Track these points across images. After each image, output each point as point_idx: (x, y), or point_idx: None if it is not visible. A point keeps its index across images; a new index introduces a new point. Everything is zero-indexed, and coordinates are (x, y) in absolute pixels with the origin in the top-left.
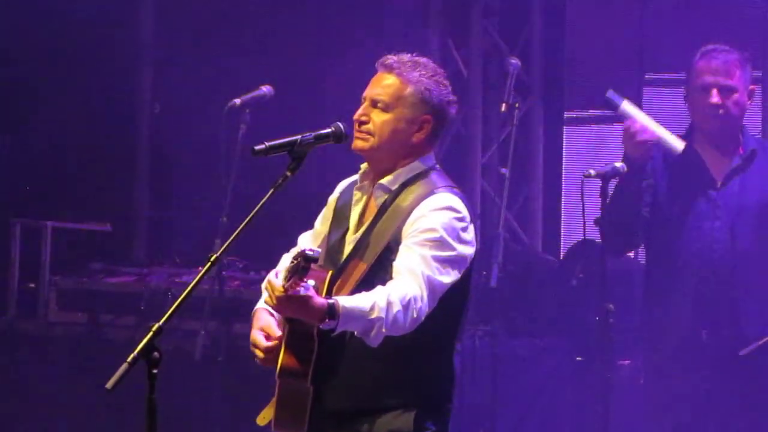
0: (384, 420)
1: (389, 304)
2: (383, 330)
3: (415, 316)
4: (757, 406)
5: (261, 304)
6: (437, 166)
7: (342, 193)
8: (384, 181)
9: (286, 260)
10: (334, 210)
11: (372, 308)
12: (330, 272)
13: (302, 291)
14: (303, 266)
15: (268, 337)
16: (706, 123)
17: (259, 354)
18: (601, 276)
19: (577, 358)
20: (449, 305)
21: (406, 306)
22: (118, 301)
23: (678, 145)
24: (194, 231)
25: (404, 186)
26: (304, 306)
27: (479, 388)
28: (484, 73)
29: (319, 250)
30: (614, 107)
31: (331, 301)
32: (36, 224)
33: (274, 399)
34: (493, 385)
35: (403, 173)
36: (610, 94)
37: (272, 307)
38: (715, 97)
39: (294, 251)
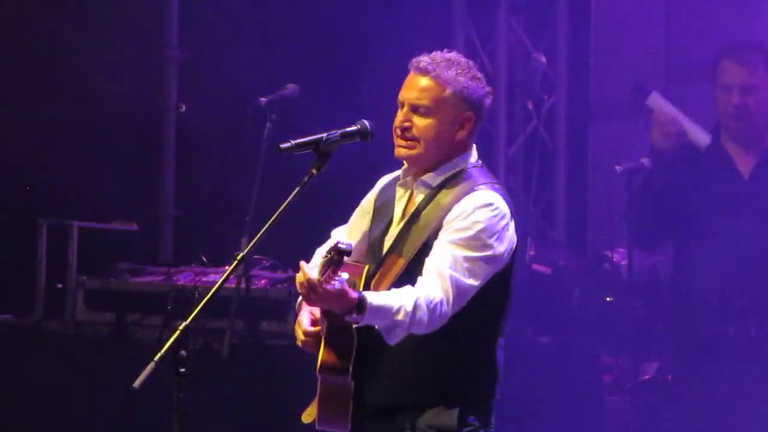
0: (427, 416)
1: (416, 308)
2: (404, 332)
3: (438, 319)
4: None
5: None
6: (479, 162)
7: (383, 189)
8: (426, 177)
9: (319, 254)
10: (374, 205)
11: (398, 310)
12: (367, 267)
13: (336, 285)
14: (337, 259)
15: (314, 322)
16: (727, 123)
17: (300, 335)
18: (628, 270)
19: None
20: (491, 300)
21: (432, 310)
22: (145, 301)
23: (704, 138)
24: (221, 230)
25: (445, 182)
26: (335, 298)
27: (508, 385)
28: (508, 70)
29: (352, 242)
30: (644, 97)
31: (361, 295)
32: (62, 224)
33: (316, 396)
34: (523, 383)
35: (444, 170)
36: (640, 84)
37: (304, 299)
38: (735, 99)
39: (327, 245)
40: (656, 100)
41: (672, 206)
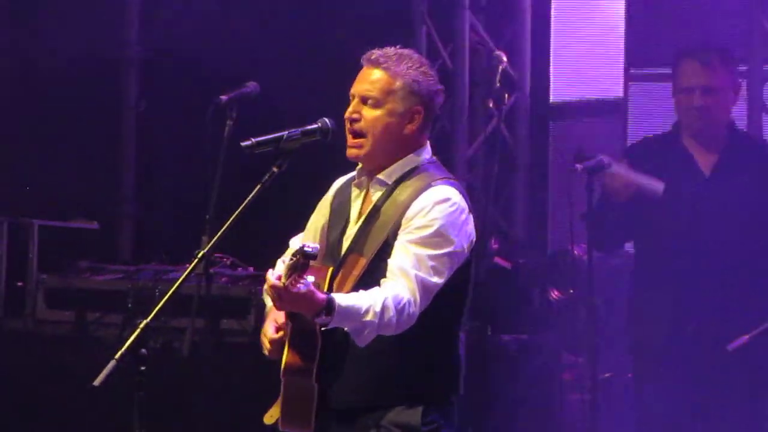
0: (391, 415)
1: (384, 309)
2: (374, 333)
3: (406, 320)
4: (745, 399)
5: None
6: (433, 158)
7: (338, 191)
8: (381, 175)
9: (281, 266)
10: (331, 207)
11: (367, 311)
12: (330, 268)
13: (302, 288)
14: (302, 263)
15: (278, 329)
16: (690, 123)
17: (266, 344)
18: (588, 272)
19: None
20: (450, 297)
21: (400, 311)
22: (106, 299)
23: (657, 187)
24: (181, 228)
25: (401, 180)
26: (303, 301)
27: (467, 384)
28: (470, 68)
29: (317, 246)
30: (600, 169)
31: (329, 297)
32: (23, 222)
33: (280, 397)
34: (482, 382)
35: (399, 167)
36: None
37: (273, 304)
38: (697, 100)
39: (289, 252)
40: (617, 168)
41: (633, 205)
